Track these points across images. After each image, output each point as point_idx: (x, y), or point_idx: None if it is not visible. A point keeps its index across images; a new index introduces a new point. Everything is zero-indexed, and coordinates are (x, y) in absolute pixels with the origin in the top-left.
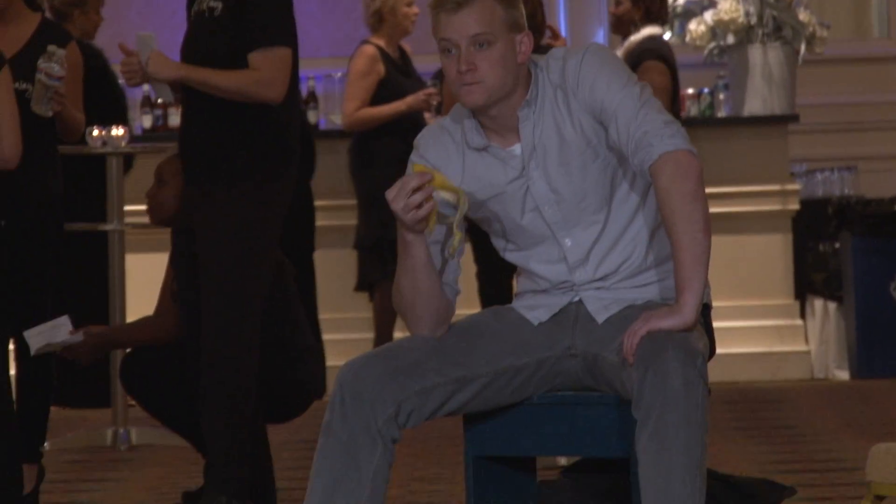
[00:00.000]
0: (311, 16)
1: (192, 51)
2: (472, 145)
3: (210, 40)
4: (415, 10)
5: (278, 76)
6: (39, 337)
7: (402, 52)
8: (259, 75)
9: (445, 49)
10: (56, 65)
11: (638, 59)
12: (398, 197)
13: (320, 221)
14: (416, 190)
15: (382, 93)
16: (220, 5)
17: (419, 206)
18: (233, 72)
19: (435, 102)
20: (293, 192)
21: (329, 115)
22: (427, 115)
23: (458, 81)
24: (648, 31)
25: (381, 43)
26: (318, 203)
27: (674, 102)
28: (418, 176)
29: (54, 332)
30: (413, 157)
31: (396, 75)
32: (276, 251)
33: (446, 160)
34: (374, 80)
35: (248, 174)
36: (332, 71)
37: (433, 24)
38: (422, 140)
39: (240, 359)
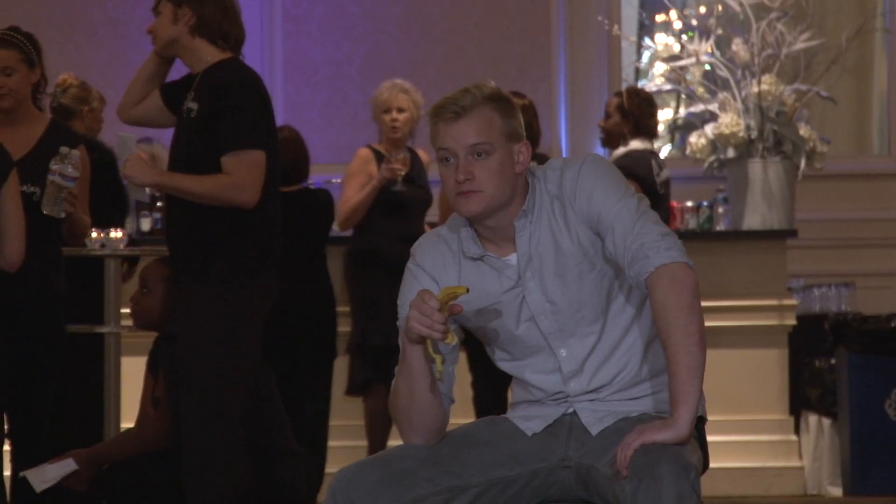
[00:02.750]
0: (310, 122)
1: (176, 150)
2: (468, 254)
3: (190, 141)
4: (392, 116)
5: (250, 180)
6: (39, 476)
7: (412, 159)
8: (230, 180)
9: (444, 158)
10: (70, 166)
11: None
12: (422, 319)
13: None
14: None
15: (378, 197)
16: (196, 107)
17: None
18: (206, 177)
19: (401, 172)
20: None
21: None
22: (426, 227)
23: (456, 190)
24: (632, 145)
25: (381, 147)
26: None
27: None
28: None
29: (53, 469)
30: (410, 264)
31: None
32: (256, 354)
33: (442, 268)
34: (364, 182)
35: (225, 277)
36: (332, 177)
37: (431, 134)
38: (419, 248)
39: (224, 465)
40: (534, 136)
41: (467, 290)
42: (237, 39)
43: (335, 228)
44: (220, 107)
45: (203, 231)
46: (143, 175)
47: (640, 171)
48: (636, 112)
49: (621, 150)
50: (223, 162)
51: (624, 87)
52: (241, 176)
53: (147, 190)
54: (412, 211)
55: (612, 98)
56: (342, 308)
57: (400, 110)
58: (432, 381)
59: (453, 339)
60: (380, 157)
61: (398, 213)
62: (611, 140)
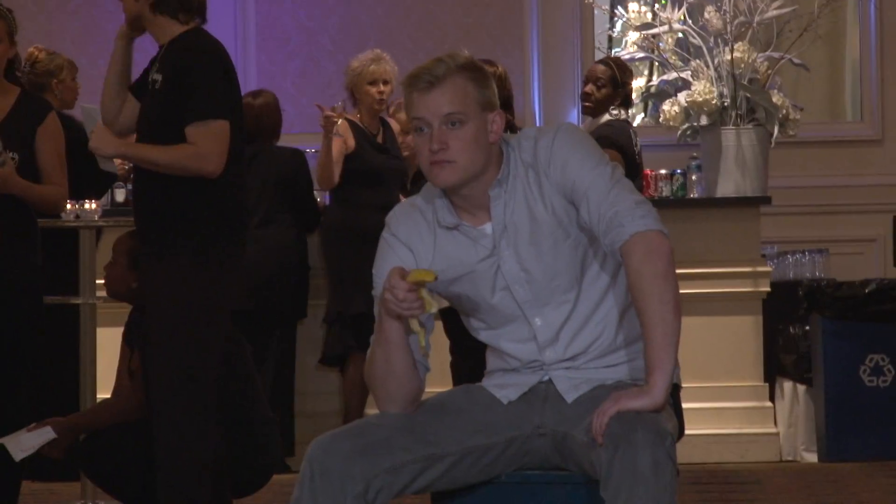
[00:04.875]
0: (283, 91)
1: (143, 122)
2: (442, 224)
3: (155, 112)
4: (380, 88)
5: (214, 149)
6: (17, 444)
7: (384, 129)
8: (195, 149)
9: (418, 128)
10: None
11: None
12: (397, 303)
13: None
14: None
15: (353, 166)
16: (160, 78)
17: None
18: (170, 147)
19: (336, 121)
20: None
21: None
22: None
23: (430, 159)
24: (611, 114)
25: (357, 117)
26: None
27: None
28: (403, 284)
29: (31, 437)
30: (385, 234)
31: (369, 150)
32: (228, 325)
33: (417, 238)
34: (340, 146)
35: (191, 249)
36: (306, 147)
37: (405, 103)
38: (393, 218)
39: (195, 436)
40: (508, 104)
41: (435, 278)
42: (199, 6)
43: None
44: (183, 78)
45: (167, 203)
46: (108, 146)
47: (622, 141)
48: (626, 83)
49: (602, 119)
50: (187, 132)
51: (597, 56)
52: (204, 145)
53: (115, 161)
54: (388, 181)
55: (600, 67)
56: (317, 280)
57: (385, 82)
58: (409, 351)
59: (431, 307)
60: (356, 129)
61: (374, 183)
62: (598, 110)
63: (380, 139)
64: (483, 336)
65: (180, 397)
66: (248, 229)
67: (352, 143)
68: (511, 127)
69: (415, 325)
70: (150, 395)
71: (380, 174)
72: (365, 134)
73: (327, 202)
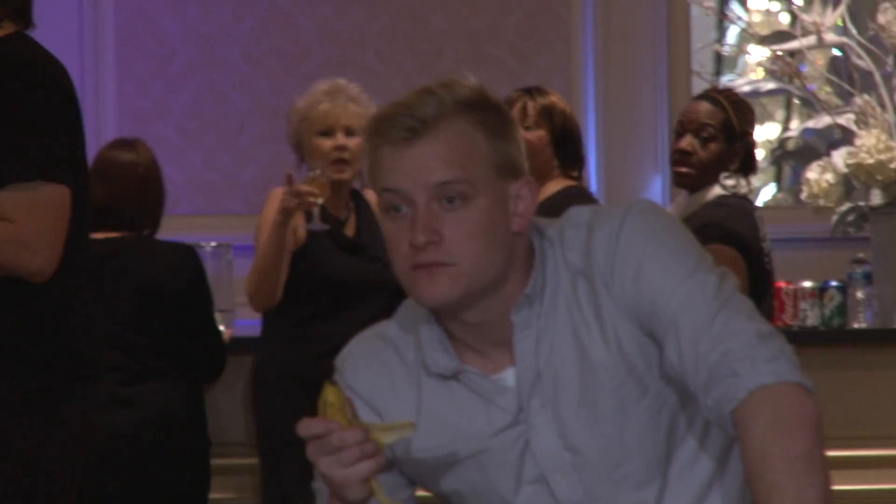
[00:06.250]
0: (162, 142)
1: None
2: (433, 369)
3: None
4: (338, 142)
5: (44, 235)
6: None
7: (358, 209)
8: (13, 231)
9: (391, 206)
10: None
11: (696, 236)
12: (324, 452)
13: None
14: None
15: (301, 274)
16: None
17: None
18: None
19: (316, 199)
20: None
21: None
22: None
23: (413, 261)
24: (718, 189)
25: (311, 186)
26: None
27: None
28: (354, 429)
29: None
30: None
31: (327, 247)
32: None
33: (389, 393)
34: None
35: (11, 400)
36: (203, 239)
37: (369, 164)
38: (349, 359)
39: None
40: (573, 159)
41: (412, 431)
42: (20, 5)
43: (244, 311)
44: None
45: None
46: None
47: (742, 231)
48: (748, 132)
49: (707, 194)
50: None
51: (697, 87)
52: (28, 225)
53: None
54: (361, 297)
55: (705, 107)
56: (243, 461)
57: (349, 132)
58: None
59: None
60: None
61: (336, 304)
62: (700, 179)
63: (349, 229)
64: None
65: None
66: (100, 382)
67: (302, 233)
68: (580, 194)
69: (381, 495)
70: None
71: (345, 286)
72: (328, 219)
73: (259, 333)
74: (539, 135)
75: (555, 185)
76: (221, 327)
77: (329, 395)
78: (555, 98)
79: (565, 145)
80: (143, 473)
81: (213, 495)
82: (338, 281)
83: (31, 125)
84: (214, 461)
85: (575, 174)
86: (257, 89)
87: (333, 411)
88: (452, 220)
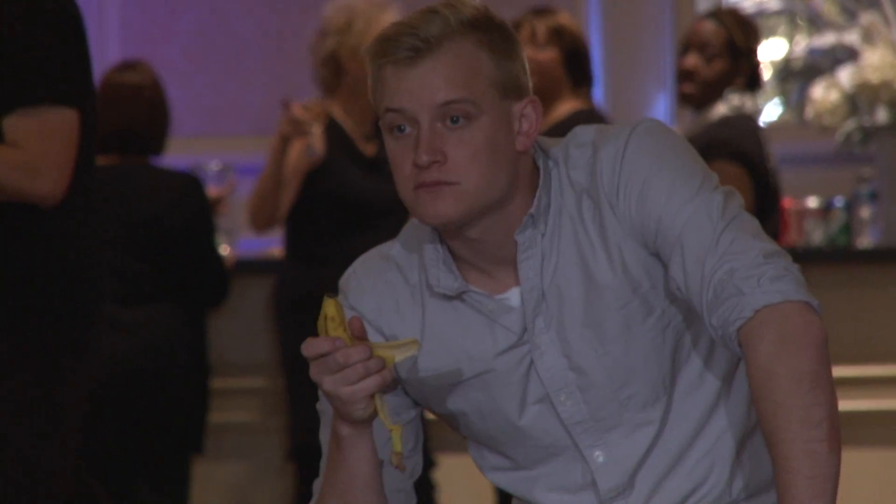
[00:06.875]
0: (168, 65)
1: None
2: (437, 289)
3: None
4: None
5: (54, 159)
6: None
7: (380, 134)
8: (21, 155)
9: (394, 125)
10: None
11: (702, 154)
12: (329, 370)
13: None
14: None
15: (322, 193)
16: None
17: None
18: None
19: (310, 127)
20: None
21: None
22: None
23: (416, 180)
24: (723, 108)
25: (336, 109)
26: (221, 385)
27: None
28: (359, 347)
29: None
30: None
31: (349, 167)
32: (73, 461)
33: (392, 313)
34: (296, 165)
35: (6, 337)
36: (208, 159)
37: (373, 84)
38: (353, 280)
39: None
40: (582, 78)
41: (418, 349)
42: None
43: (248, 234)
44: (4, 39)
45: None
46: None
47: (748, 148)
48: (752, 50)
49: (713, 113)
50: (6, 126)
51: (702, 4)
52: (37, 150)
53: None
54: (380, 216)
55: (709, 26)
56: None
57: None
58: (380, 484)
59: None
60: (333, 128)
61: (357, 223)
62: (705, 97)
63: (369, 150)
64: (504, 481)
65: None
66: (104, 306)
67: (321, 149)
68: (591, 116)
69: (381, 412)
70: None
71: (363, 208)
72: (346, 140)
73: (241, 248)
74: (549, 55)
75: (566, 106)
76: (226, 249)
77: (329, 308)
78: (563, 18)
79: (575, 64)
80: (140, 398)
81: (215, 419)
82: (354, 199)
83: (38, 49)
84: (220, 383)
85: (585, 92)
86: (261, 12)
87: (335, 325)
88: (456, 140)
